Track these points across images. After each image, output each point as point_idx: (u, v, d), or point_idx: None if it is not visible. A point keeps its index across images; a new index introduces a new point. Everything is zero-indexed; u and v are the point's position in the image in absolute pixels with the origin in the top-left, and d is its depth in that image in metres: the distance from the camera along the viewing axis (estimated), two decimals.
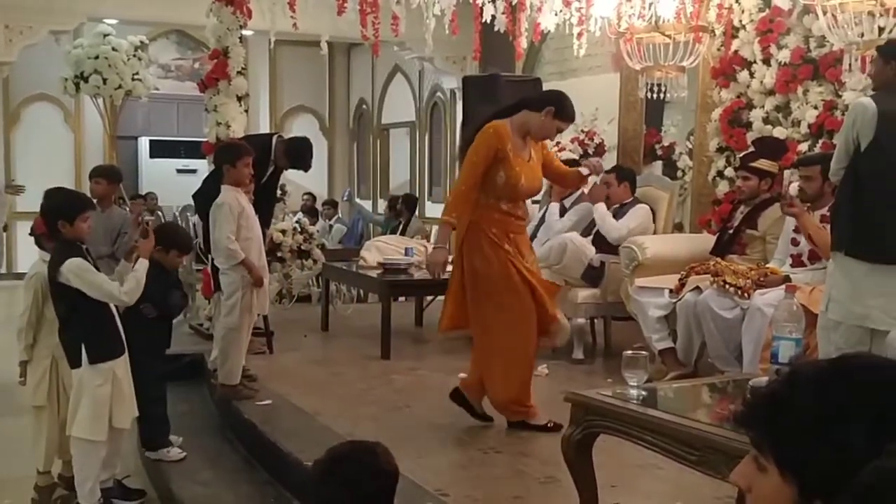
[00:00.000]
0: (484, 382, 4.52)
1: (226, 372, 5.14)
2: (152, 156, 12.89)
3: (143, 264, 3.92)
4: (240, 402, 5.06)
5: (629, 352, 3.02)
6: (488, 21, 6.75)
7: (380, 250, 7.36)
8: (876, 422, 1.04)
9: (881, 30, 4.63)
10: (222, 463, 4.69)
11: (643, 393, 2.95)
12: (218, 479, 4.43)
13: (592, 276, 6.03)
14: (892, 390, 1.08)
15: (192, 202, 6.65)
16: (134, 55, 8.10)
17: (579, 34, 6.34)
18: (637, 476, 3.78)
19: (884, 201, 3.74)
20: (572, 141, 7.96)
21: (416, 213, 10.33)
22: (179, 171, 12.65)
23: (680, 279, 5.15)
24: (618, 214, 6.12)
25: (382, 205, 12.22)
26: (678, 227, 6.84)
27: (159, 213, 11.03)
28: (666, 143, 8.02)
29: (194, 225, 8.68)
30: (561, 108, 4.42)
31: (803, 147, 5.79)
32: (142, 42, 8.30)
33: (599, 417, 2.93)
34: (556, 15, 6.60)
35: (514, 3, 6.71)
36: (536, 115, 4.41)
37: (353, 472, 2.17)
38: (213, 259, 5.90)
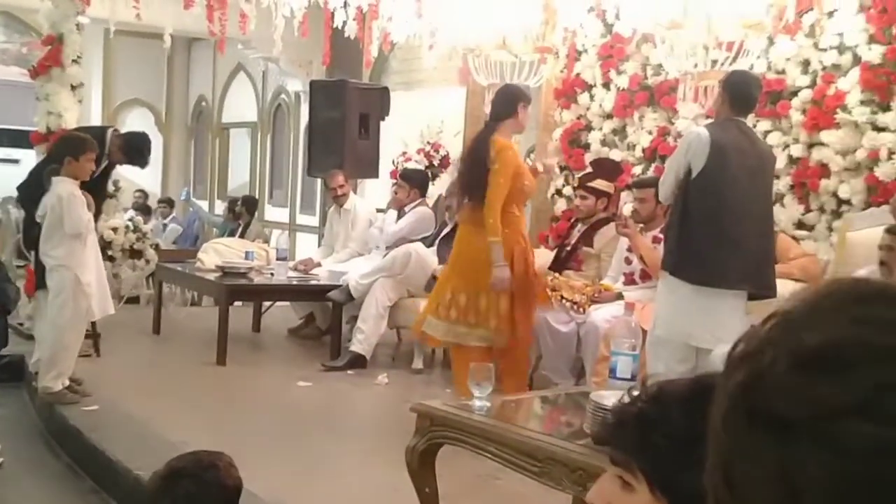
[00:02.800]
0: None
1: (52, 376, 4.87)
2: None
3: None
4: (64, 407, 4.80)
5: (474, 364, 3.06)
6: (339, 27, 6.72)
7: (218, 252, 7.17)
8: None
9: (714, 62, 4.91)
10: (44, 471, 4.44)
11: (487, 404, 3.00)
12: (39, 488, 4.20)
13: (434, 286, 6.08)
14: None
15: (13, 194, 6.29)
16: None
17: (430, 46, 6.40)
18: (477, 486, 3.83)
19: (707, 227, 3.97)
20: (418, 152, 8.02)
21: (256, 215, 10.13)
22: (1, 160, 11.90)
23: None
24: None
25: (221, 206, 11.92)
26: None
27: None
28: None
29: (16, 219, 8.20)
30: (524, 95, 4.82)
31: (637, 170, 6.06)
32: None
33: (444, 428, 2.95)
34: (407, 25, 6.63)
35: (365, 11, 6.71)
36: (515, 118, 4.72)
37: (193, 488, 2.07)
38: (36, 256, 5.59)
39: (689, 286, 3.98)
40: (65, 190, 4.77)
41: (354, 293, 6.10)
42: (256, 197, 10.88)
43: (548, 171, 5.32)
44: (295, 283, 6.74)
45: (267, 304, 7.54)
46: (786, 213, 5.14)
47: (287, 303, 7.52)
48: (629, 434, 1.16)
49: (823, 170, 5.05)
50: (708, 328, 3.97)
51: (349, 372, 5.90)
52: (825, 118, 5.02)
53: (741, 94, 4.07)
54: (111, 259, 7.25)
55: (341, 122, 7.49)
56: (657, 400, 1.17)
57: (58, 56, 6.36)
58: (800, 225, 5.17)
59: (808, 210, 5.14)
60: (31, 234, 5.65)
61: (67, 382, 4.93)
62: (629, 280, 5.20)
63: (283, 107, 11.78)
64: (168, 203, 11.73)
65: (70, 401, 4.87)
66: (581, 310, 4.94)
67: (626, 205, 5.98)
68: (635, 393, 1.25)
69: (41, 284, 5.27)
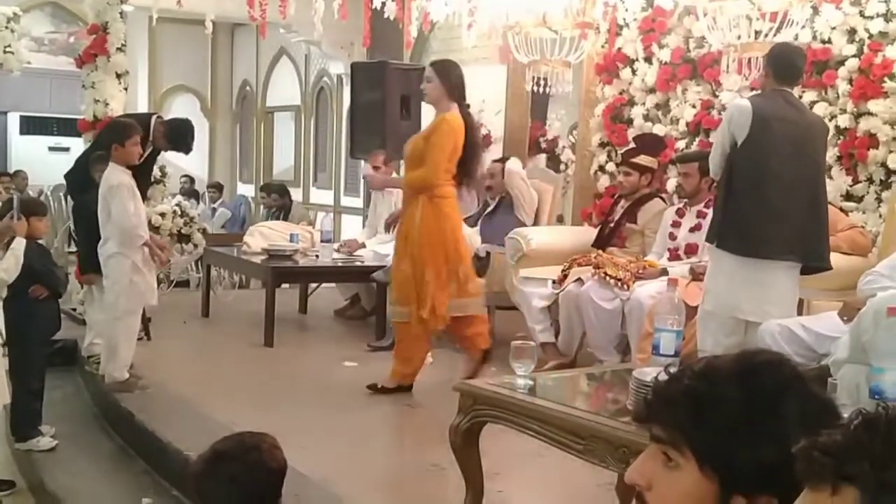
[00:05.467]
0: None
1: (117, 365, 4.93)
2: (22, 132, 12.30)
3: (20, 243, 3.77)
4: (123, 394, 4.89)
5: (517, 342, 3.06)
6: (378, 8, 6.71)
7: (264, 236, 7.24)
8: (799, 415, 1.10)
9: (758, 33, 4.82)
10: (97, 453, 4.55)
11: (530, 382, 3.00)
12: (92, 470, 4.30)
13: (478, 266, 6.07)
14: (802, 386, 1.14)
15: (64, 182, 6.40)
16: (6, 27, 7.71)
17: (469, 25, 6.37)
18: (521, 464, 3.84)
19: (752, 197, 3.92)
20: None
21: (293, 199, 10.18)
22: (52, 148, 12.12)
23: (563, 271, 5.26)
24: None
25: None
26: (559, 220, 6.98)
27: (29, 192, 10.53)
28: (550, 137, 8.16)
29: (67, 207, 8.36)
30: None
31: (681, 144, 5.99)
32: (14, 14, 7.91)
33: (487, 407, 2.97)
34: (446, 5, 6.61)
35: None
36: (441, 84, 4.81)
37: (237, 470, 2.09)
38: (80, 243, 5.68)
39: (735, 258, 3.94)
40: (114, 178, 4.81)
41: None
42: (282, 182, 10.87)
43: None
44: (340, 264, 6.79)
45: (313, 285, 7.60)
46: (833, 185, 5.05)
47: (332, 284, 7.58)
48: (678, 411, 1.14)
49: (871, 140, 4.94)
50: (756, 301, 3.93)
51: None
52: (872, 87, 4.92)
53: (785, 64, 4.01)
54: None
55: (382, 103, 7.50)
56: (706, 376, 1.15)
57: (103, 45, 6.45)
58: (848, 196, 5.07)
59: (856, 181, 5.05)
60: (78, 221, 5.76)
61: (129, 372, 5.00)
62: (674, 255, 5.15)
63: (325, 90, 11.83)
64: (217, 188, 11.86)
65: (140, 388, 4.92)
66: (625, 286, 4.91)
67: (670, 180, 5.93)
68: (673, 370, 1.24)
69: (85, 270, 5.35)
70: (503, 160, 6.56)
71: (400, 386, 4.90)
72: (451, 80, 4.86)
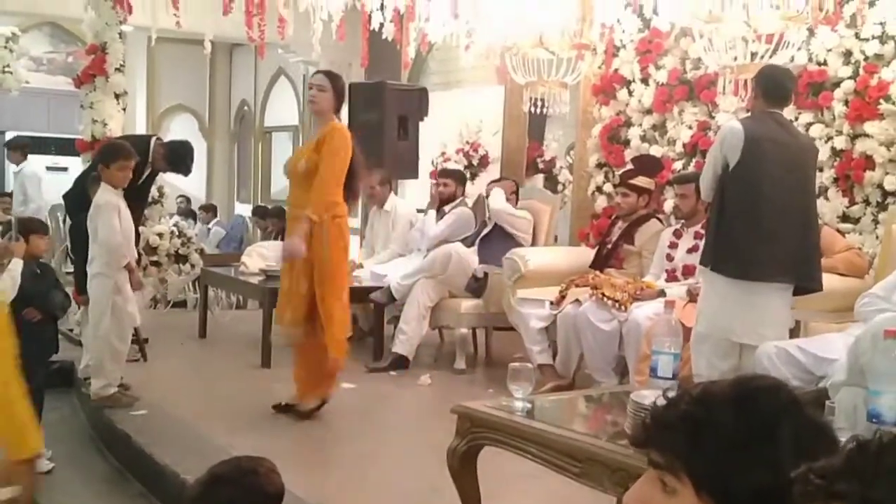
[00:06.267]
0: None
1: (101, 384, 4.95)
2: None
3: (17, 264, 3.77)
4: (113, 412, 4.88)
5: (515, 364, 3.06)
6: (376, 29, 6.75)
7: (262, 256, 7.24)
8: (794, 440, 1.10)
9: (754, 55, 4.85)
10: (93, 475, 4.52)
11: (528, 405, 3.00)
12: (88, 492, 4.28)
13: (476, 287, 6.09)
14: (798, 411, 1.15)
15: (62, 202, 6.39)
16: (4, 47, 7.75)
17: (467, 46, 6.40)
18: (518, 487, 3.82)
19: (745, 220, 3.93)
20: (457, 152, 8.03)
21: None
22: (49, 168, 12.10)
23: (560, 292, 5.26)
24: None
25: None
26: (555, 240, 6.99)
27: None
28: (548, 157, 8.18)
29: (64, 227, 8.35)
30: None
31: (678, 165, 6.01)
32: (13, 34, 7.95)
33: (485, 429, 2.96)
34: (444, 26, 6.64)
35: (402, 13, 6.73)
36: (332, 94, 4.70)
37: (234, 494, 2.06)
38: (76, 263, 5.69)
39: (729, 281, 3.94)
40: (102, 198, 4.84)
41: (396, 294, 6.13)
42: (278, 204, 10.88)
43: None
44: None
45: None
46: (830, 206, 5.07)
47: None
48: (675, 436, 1.14)
49: (867, 161, 4.97)
50: (750, 323, 3.93)
51: (392, 373, 5.93)
52: (868, 109, 4.94)
53: (774, 86, 4.03)
54: (157, 264, 7.36)
55: (380, 123, 7.52)
56: (702, 402, 1.15)
57: (101, 65, 6.47)
58: (844, 218, 5.08)
59: (852, 203, 5.06)
60: (75, 241, 5.76)
61: (115, 388, 5.01)
62: (671, 277, 5.16)
63: None
64: (209, 209, 11.87)
65: (124, 404, 4.93)
66: (623, 308, 4.91)
67: (668, 201, 5.94)
68: (671, 394, 1.24)
69: (82, 290, 5.36)
70: (499, 181, 6.58)
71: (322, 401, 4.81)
72: (340, 90, 4.74)
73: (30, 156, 9.56)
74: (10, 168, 12.23)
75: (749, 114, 4.31)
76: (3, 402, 2.26)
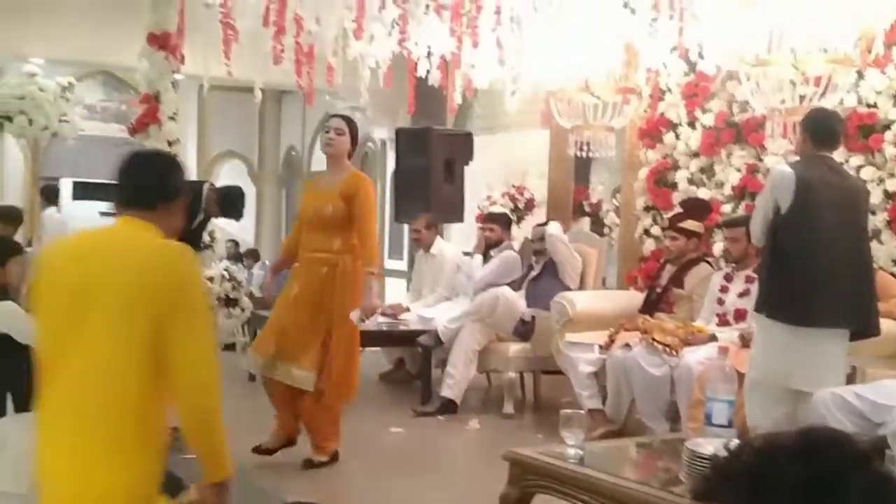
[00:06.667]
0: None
1: None
2: (75, 198, 12.59)
3: None
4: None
5: (567, 410, 3.05)
6: (423, 76, 6.83)
7: None
8: (860, 494, 1.09)
9: (802, 97, 4.83)
10: None
11: (580, 452, 2.98)
12: None
13: (523, 330, 6.08)
14: (864, 464, 1.14)
15: None
16: (62, 96, 7.97)
17: (512, 92, 6.45)
18: None
19: (799, 265, 3.88)
20: (502, 195, 8.06)
21: None
22: (103, 213, 12.34)
23: (610, 336, 5.23)
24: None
25: None
26: (602, 283, 6.97)
27: None
28: (594, 200, 8.18)
29: None
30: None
31: (727, 208, 5.98)
32: (70, 83, 8.18)
33: (537, 477, 2.95)
34: (489, 72, 6.70)
35: (448, 60, 6.81)
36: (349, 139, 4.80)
37: None
38: None
39: (784, 327, 3.89)
40: None
41: (443, 337, 6.14)
42: None
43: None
44: (384, 328, 6.81)
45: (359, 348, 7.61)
46: (884, 250, 5.00)
47: (377, 348, 7.59)
48: (738, 489, 1.13)
49: None
50: (806, 370, 3.87)
51: (440, 417, 5.92)
52: None
53: (822, 129, 4.00)
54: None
55: (427, 168, 7.61)
56: (765, 454, 1.14)
57: (155, 113, 6.60)
58: None
59: None
60: None
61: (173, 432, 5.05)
62: (722, 321, 5.11)
63: (369, 154, 12.00)
64: (252, 255, 12.08)
65: (176, 447, 4.97)
66: (674, 352, 4.87)
67: (717, 244, 5.90)
68: (733, 445, 1.23)
69: None
70: (546, 224, 6.59)
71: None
72: (355, 134, 4.82)
73: (86, 201, 9.80)
74: (66, 209, 12.56)
75: (798, 157, 4.28)
76: (209, 422, 2.36)
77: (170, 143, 6.77)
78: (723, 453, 1.23)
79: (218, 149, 13.55)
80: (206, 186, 5.93)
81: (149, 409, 2.28)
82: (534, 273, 6.42)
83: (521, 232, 7.61)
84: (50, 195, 9.76)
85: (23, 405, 3.69)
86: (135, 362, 2.21)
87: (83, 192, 12.63)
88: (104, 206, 12.48)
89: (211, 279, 7.43)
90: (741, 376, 3.99)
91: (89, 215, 12.38)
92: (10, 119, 7.79)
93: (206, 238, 6.74)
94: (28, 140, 8.10)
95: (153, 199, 2.39)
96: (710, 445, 2.57)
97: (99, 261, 2.28)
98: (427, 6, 5.42)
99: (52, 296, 2.31)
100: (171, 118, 6.76)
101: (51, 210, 9.65)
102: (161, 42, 6.56)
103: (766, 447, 1.17)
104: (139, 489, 2.28)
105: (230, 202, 5.86)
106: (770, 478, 1.13)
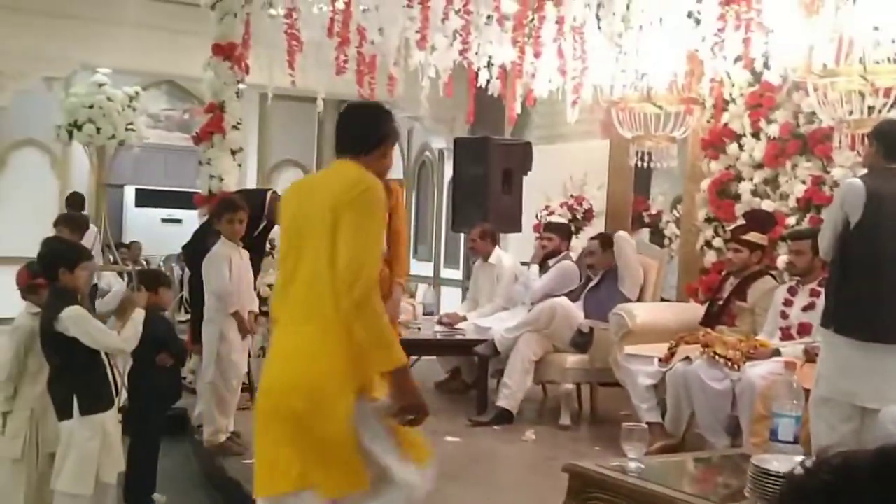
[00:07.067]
0: None
1: (211, 431, 5.10)
2: (138, 204, 12.85)
3: (140, 313, 3.92)
4: (225, 460, 4.99)
5: (628, 424, 3.02)
6: (482, 85, 6.84)
7: None
8: None
9: (871, 109, 4.74)
10: None
11: (642, 466, 2.95)
12: None
13: (581, 341, 6.04)
14: None
15: (175, 252, 6.65)
16: (129, 106, 8.12)
17: (573, 102, 6.43)
18: None
19: (869, 280, 3.80)
20: (561, 205, 8.03)
21: None
22: (164, 220, 12.61)
23: (669, 348, 5.17)
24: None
25: None
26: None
27: (143, 262, 10.96)
28: (653, 211, 8.11)
29: (181, 276, 8.66)
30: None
31: (791, 220, 5.88)
32: (136, 92, 8.33)
33: (598, 490, 2.93)
34: (549, 82, 6.70)
35: (508, 70, 6.81)
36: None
37: None
38: (193, 311, 5.90)
39: (852, 343, 3.81)
40: (215, 249, 5.12)
41: (500, 347, 6.12)
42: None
43: None
44: (441, 337, 6.82)
45: (413, 357, 7.63)
46: None
47: (433, 357, 7.61)
48: None
49: None
50: (874, 386, 3.78)
51: (496, 427, 5.90)
52: None
53: (893, 141, 3.92)
54: (266, 314, 7.53)
55: (485, 177, 7.61)
56: (843, 472, 1.13)
57: (219, 123, 6.73)
58: None
59: None
60: (193, 290, 5.97)
61: (226, 436, 5.13)
62: (786, 335, 5.01)
63: (427, 163, 12.05)
64: None
65: (235, 452, 5.04)
66: (735, 366, 4.80)
67: (780, 257, 5.80)
68: (810, 463, 1.22)
69: (196, 339, 5.56)
70: (600, 237, 6.56)
71: None
72: None
73: (148, 208, 9.95)
74: (129, 218, 12.80)
75: (866, 170, 4.19)
76: (370, 314, 2.63)
77: (233, 152, 6.89)
78: (799, 471, 1.22)
79: (277, 157, 13.70)
80: (269, 194, 6.02)
81: (335, 313, 2.63)
82: (592, 284, 6.38)
83: (579, 242, 7.57)
84: (74, 203, 9.98)
85: (88, 408, 3.78)
86: (327, 270, 2.63)
87: (146, 199, 12.89)
88: (165, 212, 12.77)
89: (270, 286, 7.51)
90: (806, 392, 3.92)
91: (151, 222, 12.66)
92: (79, 127, 7.95)
93: (266, 246, 6.82)
94: (95, 148, 8.26)
95: (364, 147, 2.83)
96: (777, 462, 2.52)
97: (313, 194, 2.80)
98: (490, 16, 5.42)
99: (284, 225, 2.90)
100: (235, 127, 6.88)
101: None
102: (226, 52, 6.68)
103: (843, 465, 1.16)
104: (341, 377, 2.68)
105: None
106: (846, 496, 1.11)
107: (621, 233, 6.31)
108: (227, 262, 5.07)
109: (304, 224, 2.75)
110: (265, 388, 2.81)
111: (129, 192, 12.85)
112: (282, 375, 2.74)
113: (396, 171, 12.66)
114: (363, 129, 2.89)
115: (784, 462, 2.48)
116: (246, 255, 5.28)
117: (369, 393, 2.74)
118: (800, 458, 1.34)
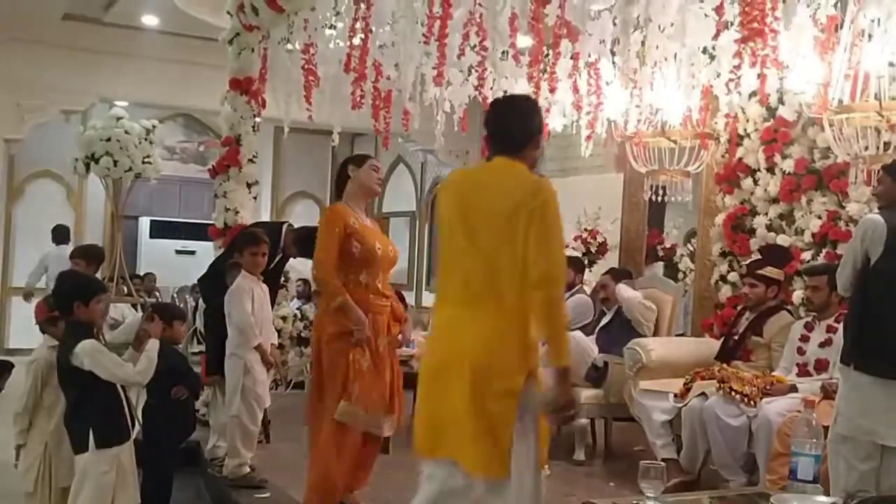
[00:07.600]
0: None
1: (235, 463, 5.11)
2: (152, 236, 12.92)
3: (154, 345, 3.93)
4: (237, 494, 4.97)
5: (646, 462, 2.99)
6: None
7: None
8: None
9: (886, 145, 4.73)
10: None
11: None
12: None
13: (595, 376, 6.01)
14: None
15: (189, 283, 6.66)
16: (146, 139, 8.20)
17: (588, 136, 6.44)
18: None
19: (891, 316, 3.78)
20: (575, 239, 8.03)
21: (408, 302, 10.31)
22: (178, 251, 12.67)
23: (685, 384, 5.14)
24: None
25: None
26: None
27: (157, 293, 10.99)
28: (668, 245, 8.09)
29: (194, 308, 8.67)
30: (355, 158, 4.54)
31: (807, 255, 5.86)
32: (153, 125, 8.41)
33: None
34: (564, 116, 6.72)
35: None
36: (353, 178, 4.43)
37: None
38: (207, 344, 5.90)
39: (873, 380, 3.78)
40: (237, 283, 5.11)
41: None
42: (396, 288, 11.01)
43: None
44: None
45: None
46: None
47: None
48: None
49: None
50: (894, 424, 3.75)
51: None
52: None
53: None
54: (280, 346, 7.53)
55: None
56: None
57: (236, 156, 6.76)
58: None
59: None
60: (208, 322, 5.98)
61: (249, 468, 5.14)
62: (803, 371, 4.98)
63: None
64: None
65: (257, 484, 5.05)
66: (752, 403, 4.76)
67: (796, 292, 5.78)
68: None
69: (210, 371, 5.56)
70: (612, 271, 6.55)
71: None
72: None
73: (163, 240, 9.97)
74: (143, 250, 12.86)
75: (879, 204, 4.17)
76: (554, 310, 2.90)
77: (249, 185, 6.92)
78: None
79: (291, 189, 13.78)
80: (284, 227, 6.04)
81: (514, 302, 2.88)
82: (606, 318, 6.37)
83: (592, 276, 7.55)
84: (59, 235, 10.08)
85: (104, 441, 3.78)
86: (507, 264, 2.87)
87: (160, 230, 12.97)
88: (180, 244, 12.83)
89: (283, 318, 7.52)
90: (824, 429, 3.89)
91: (166, 253, 12.72)
92: (96, 160, 8.02)
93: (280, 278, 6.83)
94: (111, 180, 8.32)
95: (522, 144, 3.04)
96: (798, 502, 2.50)
97: (479, 191, 3.00)
98: (505, 52, 5.45)
99: (444, 214, 3.09)
100: (251, 160, 6.92)
101: (58, 249, 9.87)
102: (244, 87, 6.74)
103: None
104: (519, 357, 2.93)
105: (307, 242, 5.93)
106: None
107: (622, 289, 6.24)
108: (250, 295, 5.10)
109: (476, 220, 2.96)
110: (441, 357, 3.01)
111: (144, 224, 12.93)
112: (472, 342, 2.90)
113: (409, 203, 12.71)
114: (519, 126, 3.07)
115: (805, 502, 2.45)
116: (266, 288, 5.30)
117: (535, 379, 2.94)
118: (823, 499, 1.34)
